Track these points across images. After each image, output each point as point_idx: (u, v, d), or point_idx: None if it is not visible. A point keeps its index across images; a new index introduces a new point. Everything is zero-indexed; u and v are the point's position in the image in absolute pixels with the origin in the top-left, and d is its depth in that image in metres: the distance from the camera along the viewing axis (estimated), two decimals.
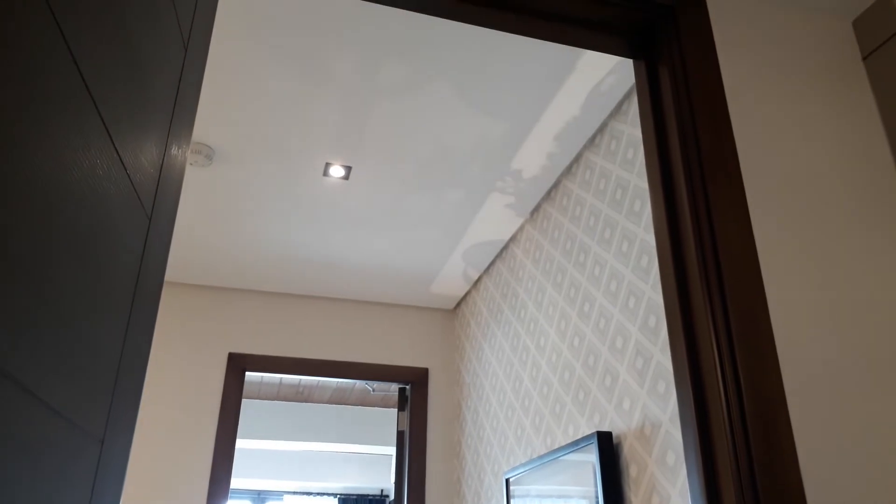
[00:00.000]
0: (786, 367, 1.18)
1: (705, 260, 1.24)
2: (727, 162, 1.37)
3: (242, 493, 7.65)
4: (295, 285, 3.62)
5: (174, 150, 0.89)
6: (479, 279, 3.54)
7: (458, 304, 3.88)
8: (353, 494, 7.90)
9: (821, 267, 1.31)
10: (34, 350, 0.52)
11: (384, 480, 7.40)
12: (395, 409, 6.09)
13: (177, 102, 0.90)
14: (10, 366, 0.48)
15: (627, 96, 2.19)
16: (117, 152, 0.69)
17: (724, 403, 1.12)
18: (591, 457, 2.03)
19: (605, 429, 2.07)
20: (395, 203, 2.85)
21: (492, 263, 3.37)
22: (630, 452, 1.91)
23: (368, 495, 7.98)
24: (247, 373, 3.60)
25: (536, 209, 2.87)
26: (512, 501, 2.60)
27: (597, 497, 1.94)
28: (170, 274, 3.51)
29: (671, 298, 1.28)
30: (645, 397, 1.88)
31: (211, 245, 3.21)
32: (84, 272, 0.61)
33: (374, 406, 5.98)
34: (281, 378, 5.16)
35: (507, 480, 2.66)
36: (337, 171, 2.63)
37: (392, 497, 8.08)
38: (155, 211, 0.81)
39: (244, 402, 5.71)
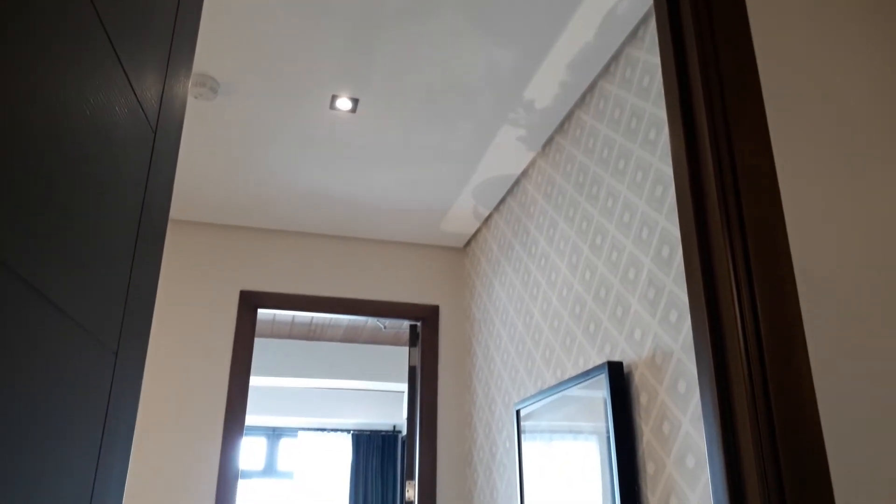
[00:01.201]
0: (803, 287, 1.16)
1: (723, 179, 1.21)
2: (747, 80, 1.32)
3: (258, 429, 7.87)
4: (305, 223, 3.62)
5: (176, 67, 0.86)
6: (490, 216, 3.52)
7: (468, 243, 3.87)
8: (366, 430, 8.11)
9: (842, 189, 1.28)
10: (44, 252, 0.51)
11: (397, 417, 7.58)
12: (407, 347, 6.18)
13: (177, 18, 0.87)
14: (21, 268, 0.47)
15: (643, 21, 2.11)
16: (120, 63, 0.66)
17: (740, 325, 1.11)
18: (601, 386, 2.04)
19: (615, 359, 2.08)
20: (404, 137, 2.81)
21: (502, 200, 3.34)
22: (641, 381, 1.93)
23: (381, 431, 8.19)
24: (259, 311, 3.63)
25: (549, 142, 2.82)
26: (523, 431, 2.64)
27: (607, 426, 1.97)
28: (179, 213, 3.51)
29: (687, 221, 1.26)
30: (657, 327, 1.88)
31: (220, 182, 3.19)
32: (91, 179, 0.59)
33: (385, 344, 6.06)
34: (293, 316, 5.22)
35: (518, 412, 2.71)
36: (344, 103, 2.58)
37: (404, 433, 8.30)
38: (160, 126, 0.79)
39: (257, 340, 5.80)
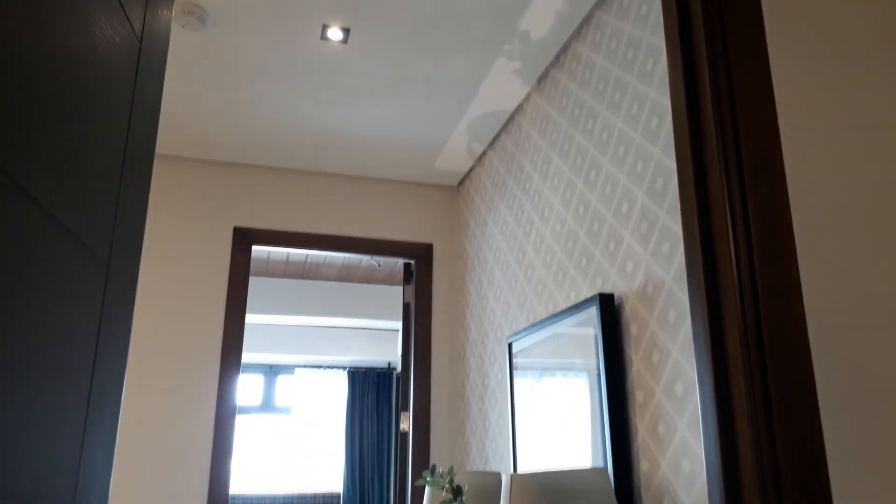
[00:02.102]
0: (797, 213, 1.17)
1: (721, 104, 1.20)
2: (748, 4, 1.29)
3: (255, 367, 7.99)
4: (298, 160, 3.58)
5: None
6: (484, 154, 3.49)
7: (462, 181, 3.85)
8: (361, 367, 8.26)
9: (841, 118, 1.27)
10: (31, 154, 0.50)
11: (391, 354, 7.70)
12: (401, 286, 6.22)
13: None
14: (11, 169, 0.47)
15: None
16: None
17: (733, 248, 1.12)
18: (592, 319, 2.07)
19: (607, 291, 2.10)
20: (397, 69, 2.75)
21: (496, 136, 3.31)
22: (631, 312, 1.95)
23: (376, 368, 8.34)
24: (253, 249, 3.64)
25: (544, 76, 2.77)
26: (515, 368, 2.70)
27: (597, 357, 2.01)
28: (170, 148, 3.46)
29: (683, 147, 1.25)
30: (649, 259, 1.89)
31: (210, 116, 3.14)
32: (79, 85, 0.58)
33: (380, 283, 6.10)
34: (288, 254, 5.23)
35: (510, 345, 2.75)
36: (335, 33, 2.51)
37: (399, 369, 8.45)
38: (145, 36, 0.77)
39: (253, 279, 5.83)
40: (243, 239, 3.52)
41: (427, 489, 2.22)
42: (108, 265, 0.70)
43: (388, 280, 6.01)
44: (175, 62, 2.72)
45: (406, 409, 3.66)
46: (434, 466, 2.21)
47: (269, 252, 5.20)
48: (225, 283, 3.43)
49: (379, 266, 5.50)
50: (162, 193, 3.46)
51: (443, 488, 2.09)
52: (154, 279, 3.34)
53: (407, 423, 3.65)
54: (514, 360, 2.71)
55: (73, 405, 0.59)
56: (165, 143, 3.40)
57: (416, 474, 3.43)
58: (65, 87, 0.56)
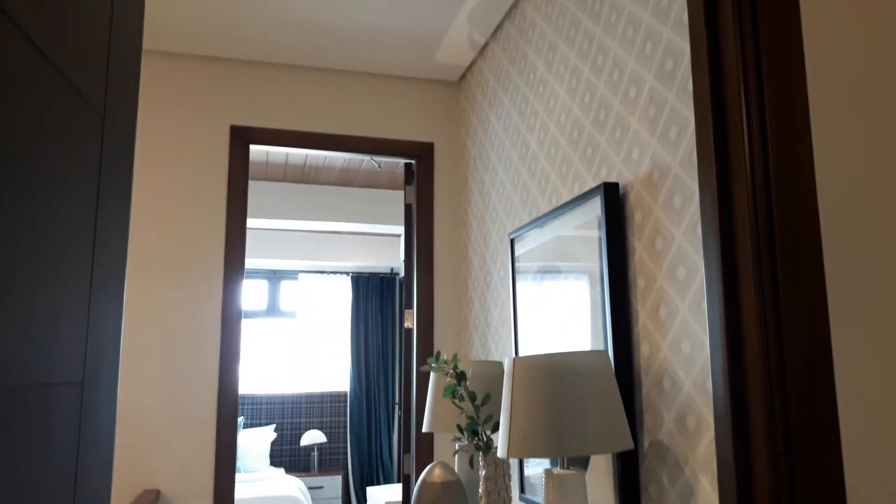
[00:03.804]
0: (813, 81, 1.12)
1: None
2: None
3: (259, 272, 8.09)
4: (294, 55, 3.46)
5: None
6: (486, 45, 3.37)
7: (464, 76, 3.74)
8: (364, 273, 8.36)
9: None
10: None
11: (394, 259, 7.77)
12: (402, 191, 6.19)
13: None
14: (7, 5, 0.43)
15: None
16: None
17: (745, 117, 1.09)
18: (595, 208, 2.06)
19: (612, 180, 2.08)
20: None
21: (499, 26, 3.18)
22: (636, 200, 1.94)
23: (379, 273, 8.44)
24: (252, 150, 3.58)
25: None
26: (517, 268, 2.71)
27: (600, 256, 2.01)
28: (160, 43, 3.34)
29: (697, 15, 1.19)
30: (655, 144, 1.85)
31: (201, 7, 3.01)
32: None
33: (381, 187, 6.06)
34: (287, 155, 5.17)
35: (512, 241, 2.76)
36: None
37: (402, 273, 8.56)
38: None
39: (252, 184, 5.78)
40: (240, 138, 3.46)
41: (432, 375, 2.29)
42: (104, 118, 0.67)
43: (389, 184, 5.97)
44: None
45: (409, 306, 3.72)
46: (439, 353, 2.27)
47: (267, 153, 5.13)
48: (224, 184, 3.40)
49: (380, 167, 5.44)
50: (154, 91, 3.37)
51: (447, 374, 2.15)
52: (152, 182, 3.30)
53: (411, 321, 3.72)
54: (517, 265, 2.72)
55: (79, 259, 0.58)
56: (154, 38, 3.28)
57: (421, 373, 3.54)
58: None
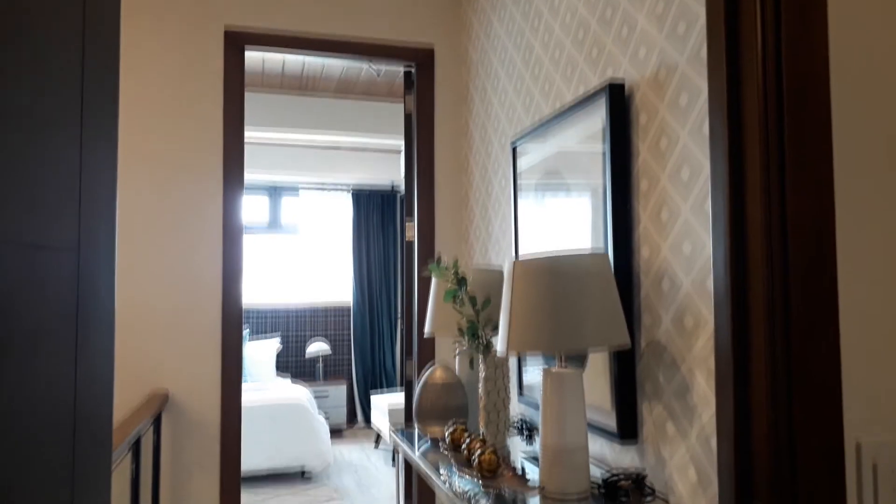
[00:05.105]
0: None
1: None
2: None
3: (259, 187, 8.05)
4: None
5: None
6: None
7: None
8: (365, 189, 8.31)
9: None
10: None
11: (394, 174, 7.72)
12: (401, 102, 6.06)
13: None
14: None
15: None
16: None
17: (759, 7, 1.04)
18: (600, 112, 2.01)
19: (617, 80, 2.02)
20: None
21: None
22: (641, 101, 1.89)
23: (380, 189, 8.40)
24: (247, 55, 3.47)
25: None
26: (519, 186, 2.67)
27: (604, 141, 1.97)
28: None
29: None
30: (663, 41, 1.79)
31: None
32: None
33: (380, 97, 5.92)
34: (283, 63, 5.03)
35: (514, 148, 2.71)
36: None
37: (403, 189, 8.53)
38: None
39: (248, 94, 5.65)
40: (235, 42, 3.35)
41: (433, 280, 2.31)
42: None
43: (388, 93, 5.83)
44: None
45: (411, 217, 3.72)
46: (440, 258, 2.27)
47: (263, 61, 4.99)
48: (220, 90, 3.32)
49: (379, 75, 5.30)
50: None
51: (448, 280, 2.17)
52: (145, 90, 3.22)
53: (412, 232, 3.72)
54: (519, 179, 2.68)
55: (69, 109, 0.57)
56: None
57: (422, 279, 3.56)
58: None
